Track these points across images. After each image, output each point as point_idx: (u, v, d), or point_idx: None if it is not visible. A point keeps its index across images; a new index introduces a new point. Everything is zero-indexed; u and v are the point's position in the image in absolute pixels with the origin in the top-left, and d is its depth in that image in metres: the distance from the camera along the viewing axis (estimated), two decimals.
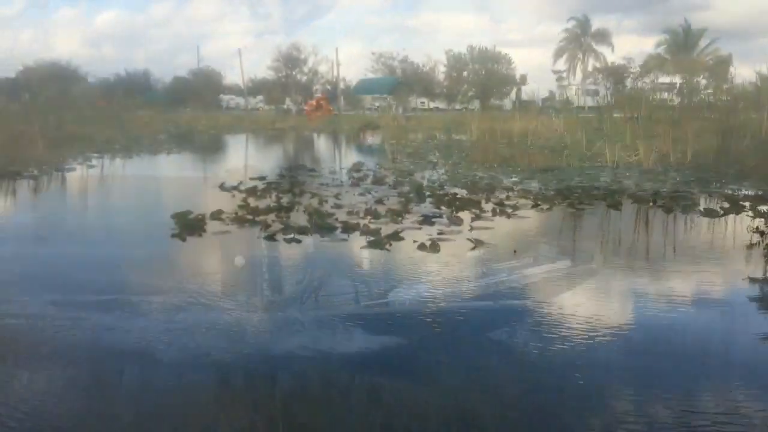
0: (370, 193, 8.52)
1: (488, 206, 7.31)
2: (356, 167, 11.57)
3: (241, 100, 64.56)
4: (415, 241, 5.48)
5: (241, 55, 54.23)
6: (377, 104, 51.02)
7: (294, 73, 47.22)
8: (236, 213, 6.97)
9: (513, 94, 44.75)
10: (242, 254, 5.13)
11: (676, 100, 28.09)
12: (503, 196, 8.15)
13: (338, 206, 7.40)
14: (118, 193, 9.46)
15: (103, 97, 43.04)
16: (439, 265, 4.79)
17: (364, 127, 28.32)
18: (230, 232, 6.05)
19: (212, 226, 6.29)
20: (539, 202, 7.60)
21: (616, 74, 40.52)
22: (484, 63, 43.95)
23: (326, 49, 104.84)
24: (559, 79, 44.09)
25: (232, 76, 79.68)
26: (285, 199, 7.93)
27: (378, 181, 9.73)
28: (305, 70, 47.50)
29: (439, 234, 5.80)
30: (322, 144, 22.45)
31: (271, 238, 5.74)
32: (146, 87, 65.16)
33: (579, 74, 46.44)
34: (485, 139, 18.71)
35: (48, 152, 14.16)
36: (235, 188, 9.04)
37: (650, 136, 12.98)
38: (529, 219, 6.71)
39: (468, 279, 4.45)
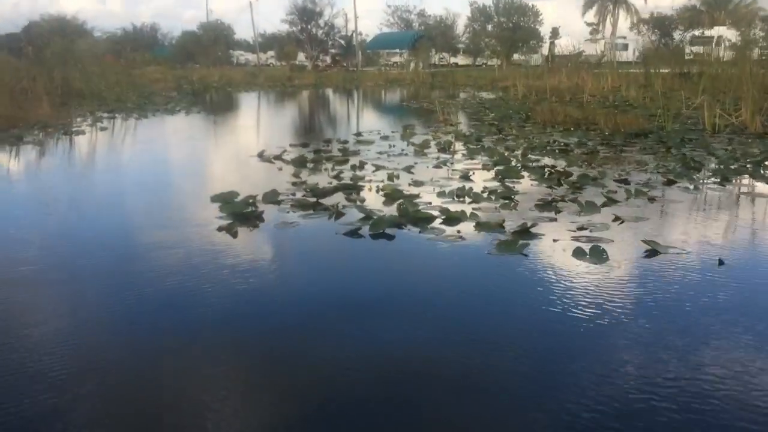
0: (446, 165, 6.94)
1: (612, 184, 5.73)
2: (408, 131, 9.94)
3: (251, 56, 62.49)
4: (555, 240, 3.95)
5: (252, 8, 51.78)
6: (394, 60, 48.94)
7: (309, 26, 44.93)
8: (293, 194, 5.43)
9: (544, 49, 42.50)
10: (330, 263, 3.62)
11: (723, 54, 26.12)
12: (626, 169, 6.55)
13: (417, 183, 5.84)
14: (137, 164, 7.89)
15: (110, 52, 41.27)
16: (644, 292, 3.24)
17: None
18: (296, 223, 4.50)
19: (268, 212, 4.75)
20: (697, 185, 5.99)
21: (661, 26, 38.21)
22: (509, 16, 41.59)
23: (342, 1, 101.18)
24: (593, 32, 41.70)
25: (243, 31, 77.28)
26: (346, 174, 6.36)
27: (443, 148, 8.13)
28: (321, 23, 45.21)
29: (580, 229, 4.24)
30: (349, 103, 20.73)
31: (355, 234, 4.20)
32: (154, 42, 63.19)
33: (609, 27, 44.00)
34: (533, 97, 17.11)
35: (54, 111, 12.61)
36: (278, 158, 7.48)
37: (717, 94, 11.28)
38: (684, 203, 5.12)
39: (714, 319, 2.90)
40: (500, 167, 6.61)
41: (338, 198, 5.30)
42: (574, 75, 21.37)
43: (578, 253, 3.67)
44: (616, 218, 4.51)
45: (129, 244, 4.15)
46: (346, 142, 8.75)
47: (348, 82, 29.40)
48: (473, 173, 6.32)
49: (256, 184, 5.99)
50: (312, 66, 43.89)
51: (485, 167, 6.71)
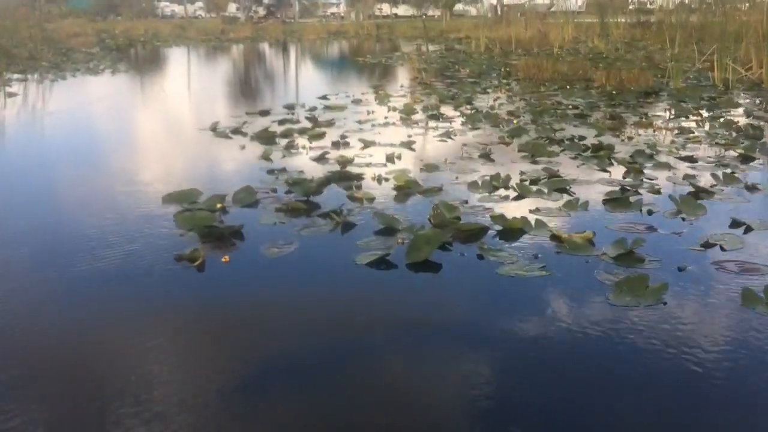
0: (450, 138, 5.60)
1: (679, 164, 4.52)
2: (382, 93, 8.50)
3: (177, 8, 58.69)
4: (717, 267, 2.70)
5: None
6: (331, 11, 46.61)
7: None
8: (273, 190, 4.00)
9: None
10: (362, 338, 2.26)
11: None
12: (675, 140, 5.36)
13: (429, 167, 4.50)
14: (53, 144, 6.21)
15: (22, 5, 37.64)
16: None
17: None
18: (290, 244, 3.07)
19: (247, 223, 3.31)
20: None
21: None
22: None
23: None
24: None
25: None
26: (330, 154, 4.93)
27: (435, 115, 6.78)
28: None
29: (706, 246, 2.98)
30: (298, 59, 18.92)
31: (382, 263, 2.83)
32: None
33: None
34: (497, 49, 15.81)
35: None
36: (237, 131, 5.97)
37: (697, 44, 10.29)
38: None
39: None
40: (519, 140, 5.34)
41: (335, 194, 3.91)
42: (530, 25, 20.09)
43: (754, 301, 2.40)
44: (736, 224, 3.27)
45: (13, 307, 2.66)
46: (313, 108, 7.25)
47: (288, 35, 27.32)
48: (490, 150, 5.00)
49: (219, 174, 4.55)
50: (246, 18, 41.19)
51: (501, 141, 5.40)
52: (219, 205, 3.56)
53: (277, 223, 3.38)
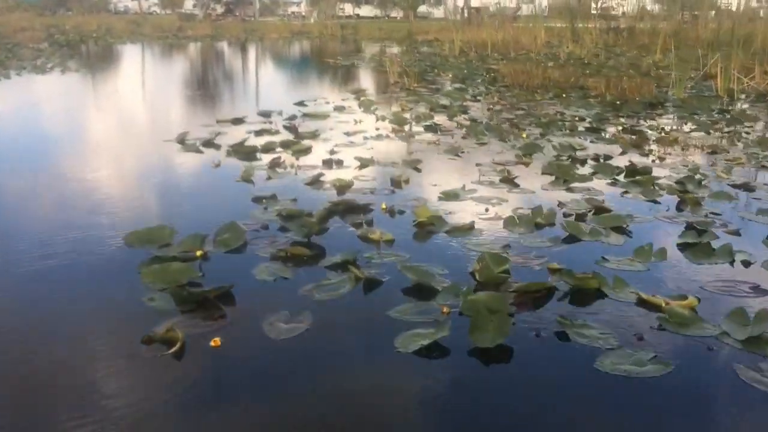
0: (458, 155, 4.88)
1: (737, 193, 3.87)
2: (365, 99, 7.73)
3: (131, 3, 56.78)
4: None
5: None
6: (291, 10, 45.56)
7: None
8: (264, 226, 3.20)
9: (449, 1, 40.47)
10: None
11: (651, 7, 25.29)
12: (714, 161, 4.73)
13: (448, 194, 3.76)
14: None
15: None
16: None
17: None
18: (299, 321, 2.27)
19: (238, 281, 2.50)
20: None
21: None
22: None
23: None
24: None
25: None
26: (326, 176, 4.14)
27: (431, 126, 6.06)
28: None
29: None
30: (264, 60, 17.97)
31: (435, 349, 2.07)
32: None
33: None
34: (472, 53, 15.21)
35: None
36: (209, 144, 5.14)
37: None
38: None
39: None
40: (537, 158, 4.65)
41: (342, 233, 3.13)
42: (500, 28, 19.52)
43: None
44: None
45: None
46: (292, 117, 6.43)
47: (249, 34, 26.27)
48: (510, 172, 4.28)
49: (193, 201, 3.72)
50: (204, 15, 39.87)
51: (519, 160, 4.68)
52: (198, 253, 2.75)
53: (278, 278, 2.59)
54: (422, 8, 43.73)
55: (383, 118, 6.42)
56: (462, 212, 3.44)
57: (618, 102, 7.39)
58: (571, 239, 3.05)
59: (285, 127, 5.95)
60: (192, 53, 18.60)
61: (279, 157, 4.64)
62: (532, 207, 3.42)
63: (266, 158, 4.65)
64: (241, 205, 3.55)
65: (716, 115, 6.65)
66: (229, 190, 3.94)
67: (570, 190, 3.90)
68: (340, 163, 4.55)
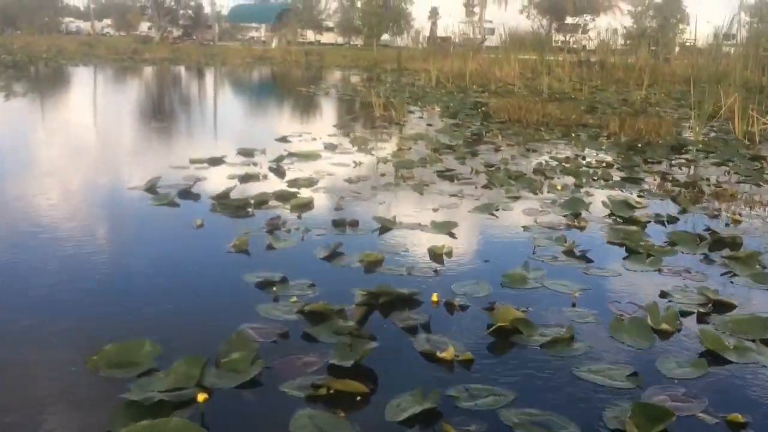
0: (494, 213, 4.04)
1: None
2: (354, 135, 6.89)
3: (83, 24, 55.04)
4: None
5: None
6: (250, 35, 44.62)
7: None
8: (284, 334, 2.28)
9: (414, 29, 40.13)
10: None
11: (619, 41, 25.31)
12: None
13: (512, 278, 2.90)
14: None
15: None
16: None
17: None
18: None
19: None
20: None
21: (556, 10, 37.02)
22: None
23: None
24: (469, 13, 39.77)
25: None
26: (347, 246, 3.24)
27: (445, 173, 5.23)
28: None
29: None
30: (231, 87, 16.98)
31: None
32: None
33: (506, 8, 42.31)
34: (449, 84, 14.53)
35: None
36: (186, 194, 4.20)
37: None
38: None
39: None
40: (590, 218, 3.86)
41: (392, 344, 2.24)
42: (471, 59, 18.91)
43: None
44: None
45: None
46: (279, 158, 5.50)
47: (210, 59, 25.24)
48: (571, 242, 3.43)
49: (174, 288, 2.76)
50: (160, 38, 38.57)
51: (571, 223, 3.86)
52: (201, 397, 1.80)
53: None
54: (384, 36, 43.37)
55: (385, 161, 5.57)
56: (540, 308, 2.58)
57: (637, 144, 6.70)
58: (713, 359, 2.21)
59: (272, 170, 5.07)
60: (151, 78, 17.53)
61: (277, 216, 3.72)
62: (635, 302, 2.60)
63: (260, 215, 3.74)
64: (241, 293, 2.64)
65: (753, 163, 6.00)
66: (221, 267, 3.01)
67: (660, 271, 3.08)
68: (354, 225, 3.65)
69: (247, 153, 5.68)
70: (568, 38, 35.59)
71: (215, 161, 5.30)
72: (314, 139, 6.65)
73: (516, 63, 17.53)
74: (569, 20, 44.01)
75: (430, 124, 8.11)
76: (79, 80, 16.06)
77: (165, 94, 13.74)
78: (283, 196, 4.17)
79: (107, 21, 58.78)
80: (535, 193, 4.60)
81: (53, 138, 7.02)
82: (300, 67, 23.63)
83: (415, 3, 40.12)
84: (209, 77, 18.92)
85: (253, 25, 45.28)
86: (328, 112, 9.79)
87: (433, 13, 40.29)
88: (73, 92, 13.08)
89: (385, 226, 3.63)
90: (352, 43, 43.45)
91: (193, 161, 5.24)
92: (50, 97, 11.23)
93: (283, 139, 6.48)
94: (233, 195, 4.11)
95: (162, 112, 9.77)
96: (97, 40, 36.14)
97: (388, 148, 6.27)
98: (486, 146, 6.60)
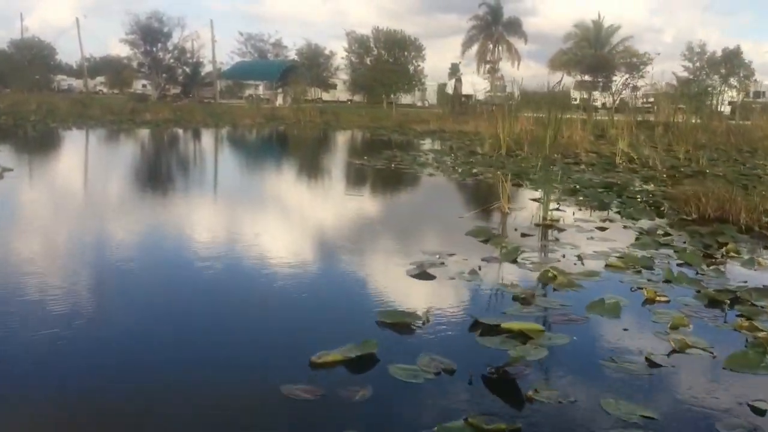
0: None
1: None
2: (507, 249, 4.29)
3: (75, 82, 53.10)
4: None
5: (79, 25, 42.60)
6: (248, 92, 42.68)
7: (155, 49, 37.21)
8: None
9: (429, 87, 38.30)
10: None
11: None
12: None
13: None
14: None
15: None
16: None
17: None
18: None
19: None
20: None
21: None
22: (390, 49, 36.79)
23: (191, 24, 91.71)
24: (491, 70, 37.96)
25: (65, 55, 67.84)
26: None
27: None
28: (169, 46, 37.64)
29: None
30: (264, 157, 14.45)
31: None
32: None
33: (518, 66, 40.71)
34: (499, 149, 11.99)
35: None
36: None
37: None
38: None
39: None
40: None
41: None
42: (506, 120, 16.20)
43: None
44: None
45: None
46: (314, 250, 2.85)
47: (217, 119, 22.86)
48: None
49: None
50: (158, 96, 36.40)
51: None
52: None
53: None
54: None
55: (676, 329, 2.95)
56: None
57: None
58: None
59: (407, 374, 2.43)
60: (149, 142, 15.00)
61: None
62: None
63: None
64: None
65: None
66: None
67: None
68: None
69: (428, 269, 3.05)
70: (589, 95, 33.78)
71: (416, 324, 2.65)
72: (465, 259, 4.06)
73: (588, 126, 15.34)
74: (586, 77, 42.54)
75: (602, 228, 5.52)
76: (73, 147, 13.49)
77: (173, 154, 11.11)
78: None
79: (100, 78, 56.93)
80: None
81: (51, 216, 4.33)
82: (316, 128, 21.29)
83: (426, 60, 38.31)
84: (233, 144, 16.44)
85: (251, 82, 43.38)
86: (428, 205, 7.13)
87: (455, 70, 38.44)
88: (64, 158, 10.35)
89: None
90: (354, 100, 41.53)
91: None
92: (40, 166, 8.53)
93: (424, 276, 3.86)
94: None
95: (175, 177, 7.13)
96: (90, 98, 33.86)
97: (646, 293, 3.63)
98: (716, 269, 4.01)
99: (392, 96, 35.95)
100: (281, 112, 26.65)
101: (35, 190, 7.31)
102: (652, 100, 26.28)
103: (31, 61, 44.40)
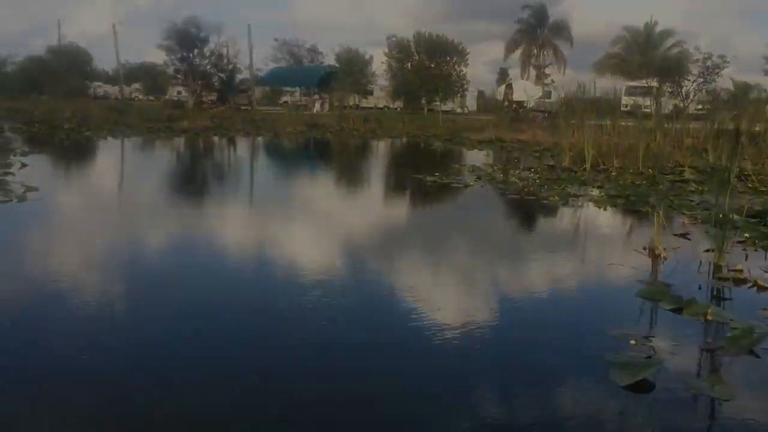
0: None
1: None
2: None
3: (110, 88, 52.76)
4: None
5: (116, 33, 42.11)
6: (284, 99, 41.63)
7: (191, 56, 36.40)
8: None
9: (470, 93, 36.88)
10: None
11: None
12: None
13: None
14: None
15: None
16: None
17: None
18: None
19: None
20: None
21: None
22: (431, 54, 35.47)
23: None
24: (542, 75, 36.46)
25: (101, 62, 67.91)
26: None
27: None
28: (206, 52, 36.80)
29: None
30: (310, 167, 13.23)
31: None
32: None
33: (564, 72, 39.11)
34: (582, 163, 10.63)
35: None
36: None
37: None
38: None
39: None
40: None
41: None
42: (579, 130, 14.75)
43: None
44: None
45: None
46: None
47: (257, 127, 21.77)
48: None
49: None
50: (194, 103, 35.55)
51: None
52: None
53: None
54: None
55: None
56: None
57: None
58: None
59: None
60: (205, 159, 13.87)
61: None
62: None
63: None
64: None
65: None
66: None
67: None
68: None
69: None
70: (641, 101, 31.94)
71: None
72: (675, 346, 2.71)
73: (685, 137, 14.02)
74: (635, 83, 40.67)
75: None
76: (107, 155, 12.40)
77: (223, 168, 9.92)
78: None
79: (136, 85, 56.55)
80: None
81: (86, 247, 3.10)
82: (360, 137, 20.05)
83: (469, 65, 36.84)
84: (290, 157, 15.27)
85: (287, 89, 42.39)
86: (560, 246, 5.72)
87: (504, 75, 36.94)
88: (102, 173, 9.24)
89: None
90: (391, 107, 40.20)
91: None
92: (74, 185, 7.39)
93: (639, 387, 2.52)
94: None
95: (236, 199, 5.89)
96: (126, 105, 33.17)
97: None
98: None
99: (435, 103, 34.50)
100: (322, 119, 25.50)
101: (59, 222, 6.13)
102: (699, 106, 24.60)
103: (67, 68, 43.97)
